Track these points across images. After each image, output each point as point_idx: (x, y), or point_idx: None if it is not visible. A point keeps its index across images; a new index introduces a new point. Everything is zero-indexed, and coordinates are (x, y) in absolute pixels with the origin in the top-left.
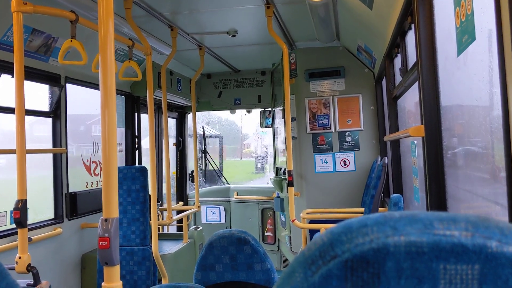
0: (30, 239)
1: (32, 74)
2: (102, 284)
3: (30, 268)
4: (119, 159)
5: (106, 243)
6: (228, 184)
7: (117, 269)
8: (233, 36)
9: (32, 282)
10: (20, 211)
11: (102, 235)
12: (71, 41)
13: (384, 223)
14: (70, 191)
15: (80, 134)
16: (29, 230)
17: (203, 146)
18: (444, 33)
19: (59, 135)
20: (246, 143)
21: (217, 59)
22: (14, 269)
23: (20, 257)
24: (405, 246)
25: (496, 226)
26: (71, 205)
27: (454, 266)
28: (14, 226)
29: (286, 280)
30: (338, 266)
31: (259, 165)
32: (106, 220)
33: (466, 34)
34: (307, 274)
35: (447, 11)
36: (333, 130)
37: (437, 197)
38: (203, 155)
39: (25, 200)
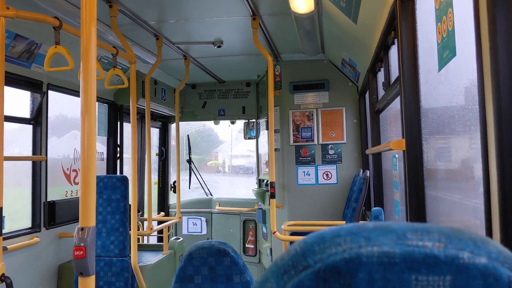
0: (5, 248)
1: (14, 80)
2: None
3: (3, 278)
4: (101, 168)
5: (81, 252)
6: (212, 195)
7: (92, 279)
8: (219, 46)
9: None
10: None
11: (78, 244)
12: (56, 47)
13: (357, 233)
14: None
15: (61, 142)
16: (5, 239)
17: (188, 155)
18: (426, 48)
19: (39, 142)
20: (215, 152)
21: (202, 69)
22: None
23: None
24: (378, 257)
25: (469, 237)
26: (50, 214)
27: (426, 277)
28: None
29: None
30: (310, 277)
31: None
32: (82, 229)
33: (447, 50)
34: (279, 284)
35: (429, 26)
36: (316, 143)
37: (417, 211)
38: (189, 164)
39: (1, 208)
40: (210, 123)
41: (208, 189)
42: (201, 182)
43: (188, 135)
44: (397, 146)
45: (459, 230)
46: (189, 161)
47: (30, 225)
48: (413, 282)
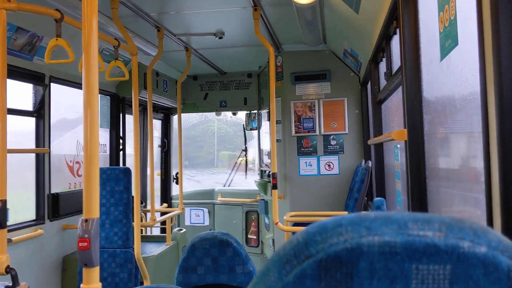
0: (10, 240)
1: (16, 73)
2: (81, 285)
3: (8, 270)
4: (104, 160)
5: (86, 244)
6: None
7: (96, 270)
8: (220, 38)
9: (10, 284)
10: (0, 211)
11: (82, 236)
12: (57, 39)
13: (359, 223)
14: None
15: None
16: (9, 231)
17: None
18: (429, 37)
19: (42, 135)
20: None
21: (203, 60)
22: None
23: None
24: (379, 246)
25: (470, 227)
26: (53, 206)
27: (427, 266)
28: None
29: (261, 279)
30: (312, 266)
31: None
32: (86, 220)
33: (449, 39)
34: (282, 273)
35: (432, 15)
36: (318, 133)
37: (419, 201)
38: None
39: (5, 200)
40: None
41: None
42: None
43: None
44: (399, 136)
45: (460, 219)
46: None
47: (34, 217)
48: (414, 271)
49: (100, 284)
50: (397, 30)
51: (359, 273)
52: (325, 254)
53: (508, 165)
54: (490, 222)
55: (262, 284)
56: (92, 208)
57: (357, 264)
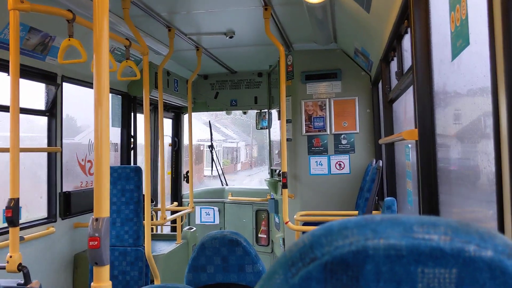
0: (22, 238)
1: (29, 73)
2: (91, 284)
3: (21, 268)
4: (115, 159)
5: (96, 243)
6: (227, 185)
7: (106, 269)
8: (231, 37)
9: (22, 282)
10: (12, 209)
11: (92, 234)
12: (69, 39)
13: (364, 226)
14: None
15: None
16: (22, 229)
17: (210, 142)
18: (440, 37)
19: (54, 134)
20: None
21: (214, 60)
22: (4, 268)
23: (11, 256)
24: (384, 249)
25: (475, 231)
26: (65, 204)
27: (432, 270)
28: (6, 225)
29: (267, 281)
30: (317, 269)
31: None
32: (96, 219)
33: (460, 39)
34: (287, 275)
35: (443, 15)
36: (328, 133)
37: (429, 201)
38: (210, 150)
39: (18, 199)
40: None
41: (224, 178)
42: (219, 170)
43: (209, 121)
44: (410, 136)
45: (467, 223)
46: (211, 146)
47: (46, 215)
48: (419, 274)
49: (110, 283)
50: (408, 30)
51: (365, 276)
52: (331, 257)
53: None
54: (501, 223)
55: (268, 286)
56: (103, 207)
57: (363, 267)
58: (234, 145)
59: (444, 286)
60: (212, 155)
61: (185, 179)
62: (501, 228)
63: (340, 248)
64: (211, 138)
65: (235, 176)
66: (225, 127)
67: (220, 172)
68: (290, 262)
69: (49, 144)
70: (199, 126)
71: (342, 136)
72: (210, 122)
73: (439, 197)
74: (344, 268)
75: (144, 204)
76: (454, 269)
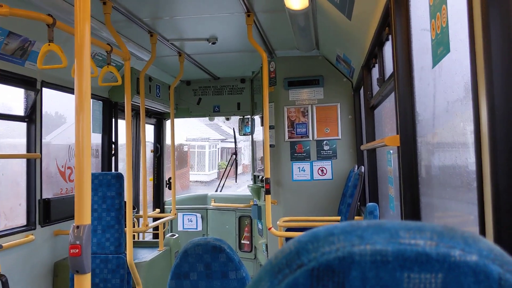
0: (0, 246)
1: (7, 78)
2: None
3: None
4: (96, 165)
5: (77, 250)
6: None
7: (88, 277)
8: (213, 43)
9: None
10: None
11: (73, 242)
12: (49, 45)
13: (350, 232)
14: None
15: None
16: (0, 237)
17: (217, 145)
18: (421, 44)
19: (33, 140)
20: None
21: (196, 66)
22: None
23: None
24: (371, 255)
25: (460, 236)
26: (44, 211)
27: (418, 275)
28: None
29: None
30: (304, 275)
31: None
32: (77, 227)
33: (441, 46)
34: (274, 283)
35: (424, 22)
36: (311, 139)
37: (411, 206)
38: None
39: None
40: None
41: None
42: (222, 181)
43: (234, 128)
44: (391, 142)
45: (452, 228)
46: (235, 154)
47: (24, 223)
48: (405, 280)
49: None
50: (389, 37)
51: (351, 282)
52: (317, 263)
53: (499, 172)
54: (482, 227)
55: None
56: (84, 214)
57: (348, 273)
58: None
59: None
60: (236, 161)
61: (167, 185)
62: (482, 231)
63: (327, 254)
64: (235, 145)
65: (232, 182)
66: (224, 122)
67: (223, 182)
68: (276, 269)
69: (28, 150)
70: (199, 125)
71: (325, 142)
72: (234, 129)
73: (420, 202)
74: (330, 274)
75: (125, 211)
76: (439, 274)
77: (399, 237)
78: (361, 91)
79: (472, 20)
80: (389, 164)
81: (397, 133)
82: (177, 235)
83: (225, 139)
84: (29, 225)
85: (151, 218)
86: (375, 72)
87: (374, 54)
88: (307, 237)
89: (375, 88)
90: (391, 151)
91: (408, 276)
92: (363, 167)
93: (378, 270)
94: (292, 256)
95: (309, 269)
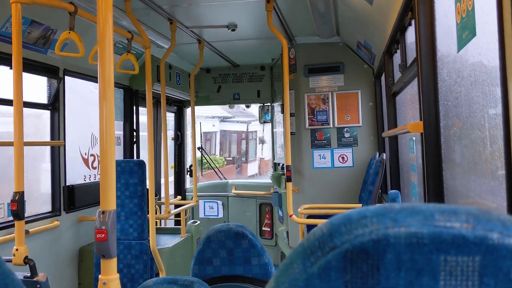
0: (27, 232)
1: (31, 66)
2: (99, 276)
3: (27, 261)
4: (118, 153)
5: (103, 235)
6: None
7: (114, 261)
8: (233, 30)
9: (29, 275)
10: (17, 203)
11: (99, 227)
12: (69, 33)
13: (384, 215)
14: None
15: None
16: (27, 222)
17: (199, 143)
18: (445, 29)
19: (57, 128)
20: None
21: (216, 53)
22: (11, 261)
23: (17, 250)
24: (405, 238)
25: (497, 218)
26: (69, 198)
27: (455, 258)
28: (11, 218)
29: (284, 271)
30: (337, 258)
31: None
32: (103, 212)
33: (466, 30)
34: (306, 265)
35: (448, 6)
36: (331, 126)
37: (435, 193)
38: (200, 151)
39: (23, 192)
40: None
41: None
42: (214, 168)
43: (200, 122)
44: (415, 129)
45: (488, 211)
46: (200, 148)
47: (50, 209)
48: (441, 263)
49: (117, 275)
50: (412, 21)
51: (386, 264)
52: (351, 245)
53: None
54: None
55: (285, 276)
56: (109, 200)
57: (383, 256)
58: (243, 128)
59: (467, 274)
60: (202, 157)
61: (188, 172)
62: None
63: (360, 236)
64: (201, 139)
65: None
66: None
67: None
68: (308, 251)
69: (52, 138)
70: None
71: (345, 129)
72: (200, 123)
73: (444, 189)
74: (364, 257)
75: (148, 198)
76: (477, 256)
77: (434, 220)
78: (382, 77)
79: (501, 3)
80: (412, 151)
81: (420, 119)
82: (198, 222)
83: (227, 118)
84: (54, 211)
85: (173, 205)
86: (396, 58)
87: (396, 40)
88: (339, 220)
89: (397, 74)
90: (413, 138)
91: (445, 259)
92: (384, 154)
93: (414, 252)
94: (325, 239)
95: (343, 251)
